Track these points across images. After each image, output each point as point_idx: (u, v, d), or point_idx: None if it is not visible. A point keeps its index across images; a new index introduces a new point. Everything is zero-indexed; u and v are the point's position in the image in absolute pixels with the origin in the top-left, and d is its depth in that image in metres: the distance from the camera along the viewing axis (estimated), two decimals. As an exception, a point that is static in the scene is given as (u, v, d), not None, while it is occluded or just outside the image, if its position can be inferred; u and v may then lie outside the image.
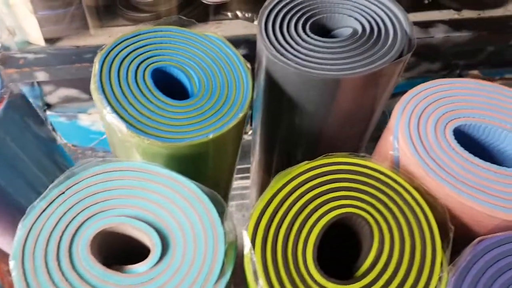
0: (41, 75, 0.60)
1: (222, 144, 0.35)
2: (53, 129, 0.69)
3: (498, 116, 0.34)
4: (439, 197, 0.31)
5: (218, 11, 0.67)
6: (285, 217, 0.29)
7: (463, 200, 0.30)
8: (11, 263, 0.25)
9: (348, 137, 0.46)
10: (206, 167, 0.37)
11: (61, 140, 0.69)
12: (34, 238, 0.27)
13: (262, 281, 0.26)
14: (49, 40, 0.61)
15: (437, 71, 0.74)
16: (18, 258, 0.26)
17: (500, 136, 0.34)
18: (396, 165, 0.33)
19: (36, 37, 0.59)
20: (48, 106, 0.68)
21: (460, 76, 0.75)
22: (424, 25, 0.67)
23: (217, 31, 0.63)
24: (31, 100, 0.45)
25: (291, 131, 0.44)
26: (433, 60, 0.72)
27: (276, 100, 0.41)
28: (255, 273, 0.26)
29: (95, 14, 0.62)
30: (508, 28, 0.69)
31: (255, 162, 0.56)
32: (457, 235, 0.29)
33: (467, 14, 0.69)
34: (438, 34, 0.66)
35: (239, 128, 0.36)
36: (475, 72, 0.76)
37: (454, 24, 0.67)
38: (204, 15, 0.66)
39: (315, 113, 0.41)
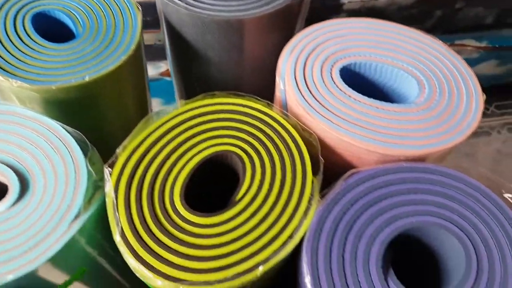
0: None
1: (111, 87, 0.34)
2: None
3: (389, 54, 0.34)
4: (320, 134, 0.30)
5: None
6: (157, 156, 0.28)
7: (342, 136, 0.30)
8: None
9: (265, 87, 0.46)
10: (103, 111, 0.36)
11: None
12: None
13: (122, 218, 0.26)
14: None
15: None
16: None
17: (391, 74, 0.34)
18: (284, 107, 0.33)
19: None
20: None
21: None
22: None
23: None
24: None
25: (201, 79, 0.43)
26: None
27: (179, 46, 0.40)
28: (116, 211, 0.26)
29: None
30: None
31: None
32: (339, 171, 0.29)
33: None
34: (382, -5, 0.65)
35: (130, 70, 0.35)
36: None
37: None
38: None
39: (219, 61, 0.40)
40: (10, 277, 0.24)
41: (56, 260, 0.25)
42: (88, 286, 0.31)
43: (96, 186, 0.28)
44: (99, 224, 0.28)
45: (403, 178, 0.28)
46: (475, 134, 0.35)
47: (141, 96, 0.40)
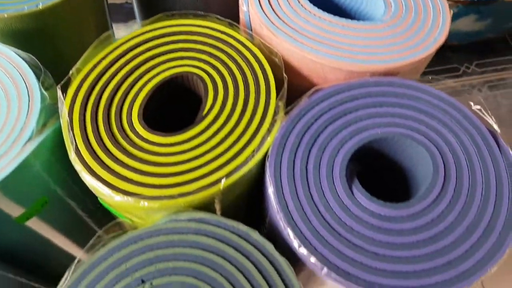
0: None
1: (68, 15, 0.33)
2: None
3: (355, -25, 0.33)
4: (284, 54, 0.30)
5: None
6: (113, 77, 0.28)
7: (306, 54, 0.29)
8: None
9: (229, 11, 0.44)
10: (61, 42, 0.35)
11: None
12: None
13: (77, 136, 0.25)
14: None
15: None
16: None
17: (358, -4, 0.33)
18: (248, 27, 0.32)
19: None
20: None
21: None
22: None
23: None
24: None
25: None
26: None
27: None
28: (70, 131, 0.25)
29: None
30: None
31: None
32: (305, 92, 0.28)
33: None
34: None
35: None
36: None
37: None
38: None
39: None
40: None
41: (9, 186, 0.25)
42: (48, 224, 0.31)
43: (52, 110, 0.27)
44: (56, 150, 0.27)
45: (368, 92, 0.28)
46: (456, 92, 0.34)
47: (102, 23, 0.38)
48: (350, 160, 0.26)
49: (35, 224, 0.29)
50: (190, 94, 0.29)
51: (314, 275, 0.24)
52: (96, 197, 0.26)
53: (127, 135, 0.26)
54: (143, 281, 0.22)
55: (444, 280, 0.23)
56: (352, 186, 0.25)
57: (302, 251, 0.23)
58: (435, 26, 0.31)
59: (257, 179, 0.27)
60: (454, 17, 0.77)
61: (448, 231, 0.24)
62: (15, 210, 0.27)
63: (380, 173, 0.30)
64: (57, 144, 0.27)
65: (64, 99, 0.26)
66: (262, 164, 0.26)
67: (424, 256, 0.23)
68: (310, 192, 0.25)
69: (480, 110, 0.29)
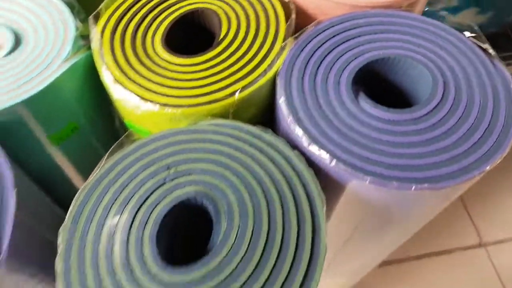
0: None
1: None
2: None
3: None
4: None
5: None
6: (137, 13, 0.31)
7: (312, -6, 0.32)
8: None
9: None
10: None
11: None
12: None
13: (107, 58, 0.28)
14: None
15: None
16: None
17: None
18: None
19: None
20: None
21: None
22: None
23: None
24: None
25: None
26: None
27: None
28: (102, 53, 0.28)
29: None
30: None
31: None
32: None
33: None
34: None
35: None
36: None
37: None
38: None
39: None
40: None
41: (38, 105, 0.27)
42: (68, 158, 0.33)
43: (83, 41, 0.30)
44: (85, 78, 0.30)
45: (369, 22, 0.31)
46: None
47: None
48: (354, 82, 0.28)
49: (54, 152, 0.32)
50: (205, 33, 0.32)
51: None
52: (113, 127, 0.29)
53: (151, 57, 0.29)
54: (168, 168, 0.24)
55: (452, 171, 0.24)
56: (358, 97, 0.27)
57: (312, 148, 0.25)
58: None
59: (268, 102, 0.30)
60: (455, 10, 0.80)
61: (450, 132, 0.26)
62: (43, 132, 0.30)
63: (382, 97, 0.32)
64: (87, 72, 0.30)
65: (94, 29, 0.29)
66: (272, 85, 0.29)
67: (429, 153, 0.25)
68: (318, 101, 0.27)
69: (476, 37, 0.31)
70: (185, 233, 0.26)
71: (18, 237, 0.23)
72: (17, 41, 0.29)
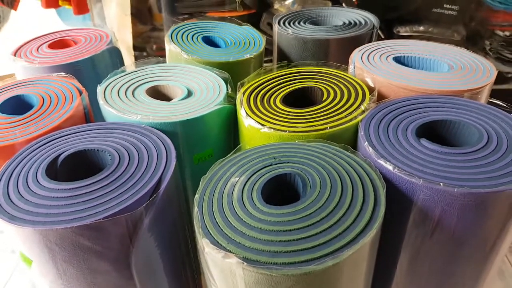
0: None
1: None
2: None
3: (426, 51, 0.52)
4: (376, 81, 0.47)
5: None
6: (266, 86, 0.47)
7: (388, 81, 0.46)
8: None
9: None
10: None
11: None
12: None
13: (244, 105, 0.44)
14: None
15: None
16: None
17: (425, 62, 0.51)
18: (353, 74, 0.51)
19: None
20: None
21: None
22: None
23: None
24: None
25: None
26: None
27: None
28: (242, 105, 0.44)
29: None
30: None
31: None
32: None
33: None
34: None
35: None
36: None
37: None
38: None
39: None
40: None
41: (193, 126, 0.43)
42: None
43: (229, 99, 0.47)
44: (226, 122, 0.46)
45: (433, 100, 0.43)
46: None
47: (259, 63, 0.60)
48: (417, 134, 0.39)
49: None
50: (308, 101, 0.47)
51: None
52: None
53: (271, 107, 0.44)
54: (274, 158, 0.36)
55: (488, 183, 0.32)
56: (421, 140, 0.38)
57: (380, 161, 0.35)
58: (482, 75, 0.46)
59: (350, 139, 0.41)
60: None
61: (497, 160, 0.34)
62: (189, 151, 0.44)
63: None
64: (227, 117, 0.45)
65: (239, 92, 0.46)
66: (355, 130, 0.41)
67: (467, 172, 0.34)
68: (388, 136, 0.38)
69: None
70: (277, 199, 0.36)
71: (167, 191, 0.36)
72: (189, 93, 0.47)
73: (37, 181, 0.35)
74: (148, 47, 1.05)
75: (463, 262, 0.39)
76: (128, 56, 0.97)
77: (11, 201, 0.33)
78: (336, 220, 0.30)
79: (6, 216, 0.32)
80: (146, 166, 0.36)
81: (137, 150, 0.38)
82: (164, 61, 0.56)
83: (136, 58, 1.03)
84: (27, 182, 0.35)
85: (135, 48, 1.01)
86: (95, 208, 0.32)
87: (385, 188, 0.33)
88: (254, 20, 0.93)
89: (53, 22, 1.25)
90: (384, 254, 0.38)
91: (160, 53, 1.00)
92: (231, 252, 0.28)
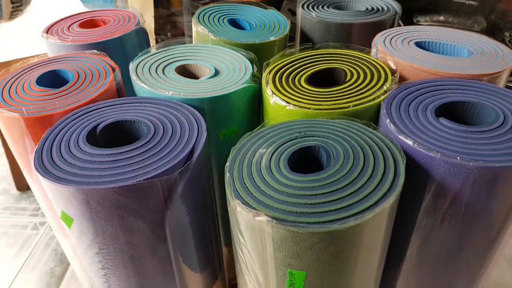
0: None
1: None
2: None
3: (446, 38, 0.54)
4: (397, 64, 0.50)
5: None
6: (291, 67, 0.50)
7: (411, 64, 0.49)
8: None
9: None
10: None
11: None
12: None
13: (270, 83, 0.47)
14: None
15: None
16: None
17: (446, 47, 0.53)
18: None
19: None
20: None
21: None
22: None
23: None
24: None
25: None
26: None
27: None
28: (267, 83, 0.47)
29: None
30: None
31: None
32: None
33: None
34: None
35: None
36: None
37: None
38: None
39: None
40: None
41: (219, 103, 0.46)
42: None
43: (254, 78, 0.50)
44: (251, 99, 0.49)
45: (452, 82, 0.45)
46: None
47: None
48: (436, 113, 0.42)
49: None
50: (332, 82, 0.50)
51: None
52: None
53: (296, 86, 0.47)
54: (299, 132, 0.39)
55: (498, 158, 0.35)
56: (440, 118, 0.40)
57: (401, 136, 0.38)
58: (501, 61, 0.48)
59: (372, 117, 0.44)
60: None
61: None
62: (215, 126, 0.48)
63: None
64: (252, 95, 0.49)
65: (264, 72, 0.49)
66: (377, 108, 0.44)
67: (482, 148, 0.36)
68: (409, 115, 0.41)
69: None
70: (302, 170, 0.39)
71: (198, 160, 0.39)
72: (216, 73, 0.50)
73: (79, 147, 0.39)
74: (162, 33, 1.08)
75: (472, 239, 0.42)
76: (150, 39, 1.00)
77: (56, 164, 0.37)
78: (359, 187, 0.33)
79: (52, 177, 0.36)
80: (180, 137, 0.40)
81: (170, 122, 0.41)
82: (190, 42, 0.59)
83: (156, 41, 1.07)
84: (69, 147, 0.39)
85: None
86: (135, 172, 0.35)
87: (405, 160, 0.36)
88: (274, 6, 0.96)
89: (72, 5, 1.30)
90: (399, 230, 0.41)
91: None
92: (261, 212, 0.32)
